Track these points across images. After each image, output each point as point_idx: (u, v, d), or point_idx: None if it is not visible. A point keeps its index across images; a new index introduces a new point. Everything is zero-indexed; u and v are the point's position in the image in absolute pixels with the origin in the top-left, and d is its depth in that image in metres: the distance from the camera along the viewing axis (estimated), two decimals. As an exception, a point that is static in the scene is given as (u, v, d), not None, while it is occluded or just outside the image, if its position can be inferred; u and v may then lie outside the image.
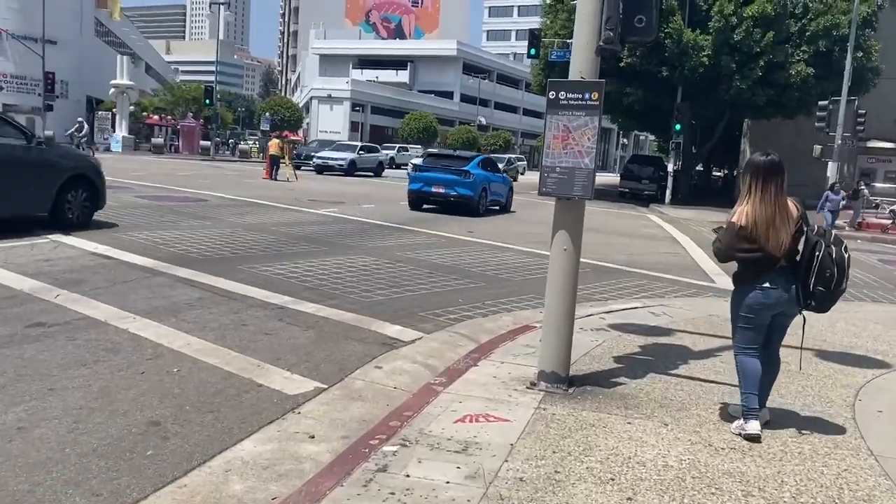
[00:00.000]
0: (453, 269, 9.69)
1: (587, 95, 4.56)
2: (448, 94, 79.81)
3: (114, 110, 50.99)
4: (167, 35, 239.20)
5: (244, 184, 23.43)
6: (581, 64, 4.66)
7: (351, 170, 34.43)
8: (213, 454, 3.63)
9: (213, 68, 59.74)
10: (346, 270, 8.88)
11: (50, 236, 9.53)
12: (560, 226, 4.72)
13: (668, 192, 30.46)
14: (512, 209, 20.29)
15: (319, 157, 35.25)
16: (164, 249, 9.28)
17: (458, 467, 3.48)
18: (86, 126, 26.83)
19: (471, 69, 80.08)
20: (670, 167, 31.49)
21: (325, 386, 4.76)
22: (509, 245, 12.66)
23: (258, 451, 3.67)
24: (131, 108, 51.10)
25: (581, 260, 4.84)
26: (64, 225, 10.22)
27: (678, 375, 5.30)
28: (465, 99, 79.50)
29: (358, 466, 3.47)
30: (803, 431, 4.27)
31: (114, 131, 50.04)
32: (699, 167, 44.62)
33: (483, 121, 74.92)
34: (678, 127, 28.69)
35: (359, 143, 40.26)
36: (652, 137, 73.24)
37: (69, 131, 29.05)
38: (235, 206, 15.42)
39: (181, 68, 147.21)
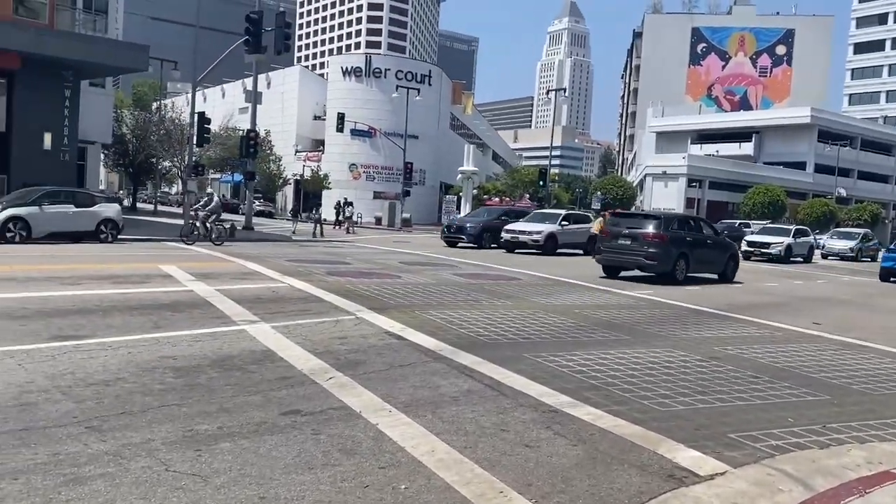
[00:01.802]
0: (786, 373, 7.69)
1: None
2: (799, 165, 72.44)
3: (460, 194, 55.64)
4: (516, 125, 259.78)
5: (565, 262, 23.05)
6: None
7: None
8: None
9: (555, 152, 62.21)
10: (645, 367, 7.52)
11: (357, 314, 9.79)
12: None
13: None
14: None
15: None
16: (455, 331, 8.89)
17: None
18: (215, 199, 23.48)
19: (827, 136, 71.86)
20: None
21: (574, 535, 3.58)
22: (869, 343, 10.00)
23: None
24: (474, 191, 55.26)
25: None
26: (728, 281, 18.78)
27: None
28: (821, 169, 71.31)
29: None
30: None
31: (458, 213, 54.42)
32: None
33: (843, 192, 66.16)
34: None
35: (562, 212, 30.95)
36: None
37: (195, 206, 23.89)
38: (546, 286, 14.87)
39: (525, 154, 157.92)
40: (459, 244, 28.90)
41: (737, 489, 4.29)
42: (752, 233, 34.84)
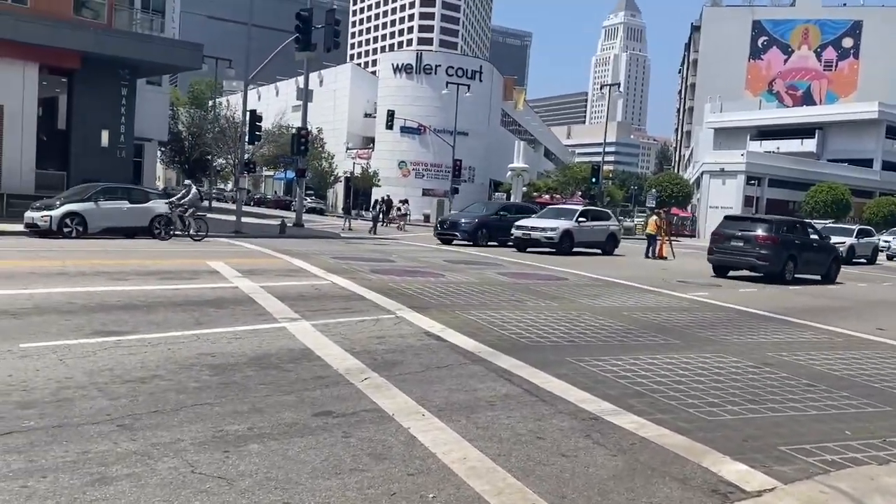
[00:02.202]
0: (845, 381, 7.29)
1: None
2: (866, 162, 69.67)
3: (510, 191, 55.30)
4: (570, 121, 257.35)
5: (616, 262, 22.61)
6: None
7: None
8: None
9: (609, 149, 61.41)
10: (694, 372, 7.22)
11: (398, 313, 9.71)
12: None
13: None
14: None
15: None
16: (496, 332, 8.71)
17: None
18: (193, 191, 21.29)
19: (896, 132, 69.00)
20: None
21: (607, 554, 3.39)
22: (939, 351, 9.44)
23: None
24: (524, 188, 54.81)
25: None
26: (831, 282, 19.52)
27: None
28: (889, 166, 68.51)
29: None
30: None
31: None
32: None
33: (912, 191, 63.33)
34: None
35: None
36: None
37: (172, 199, 21.77)
38: (594, 287, 14.55)
39: (578, 150, 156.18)
40: (454, 241, 27.13)
41: (786, 508, 4.03)
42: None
